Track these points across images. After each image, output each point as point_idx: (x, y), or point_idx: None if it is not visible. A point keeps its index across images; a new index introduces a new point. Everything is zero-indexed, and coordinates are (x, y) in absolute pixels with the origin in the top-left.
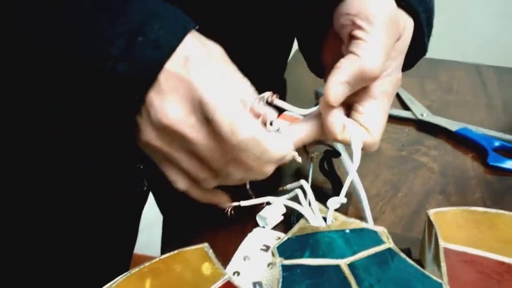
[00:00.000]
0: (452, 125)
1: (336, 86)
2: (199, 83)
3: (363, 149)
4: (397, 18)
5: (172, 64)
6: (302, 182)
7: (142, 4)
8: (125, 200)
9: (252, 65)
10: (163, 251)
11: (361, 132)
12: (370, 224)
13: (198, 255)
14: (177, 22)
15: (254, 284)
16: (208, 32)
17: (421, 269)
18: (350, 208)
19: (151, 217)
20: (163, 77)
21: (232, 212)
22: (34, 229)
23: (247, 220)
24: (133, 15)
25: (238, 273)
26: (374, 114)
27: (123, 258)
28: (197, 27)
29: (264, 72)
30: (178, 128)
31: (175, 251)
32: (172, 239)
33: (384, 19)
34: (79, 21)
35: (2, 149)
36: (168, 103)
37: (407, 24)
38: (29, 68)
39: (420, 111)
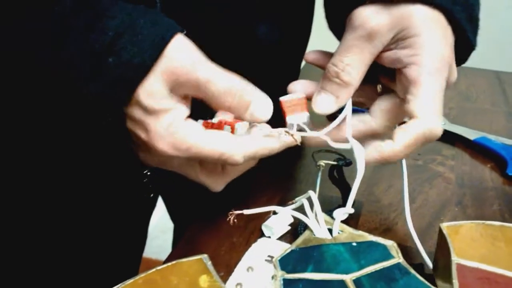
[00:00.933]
0: (470, 134)
1: (406, 148)
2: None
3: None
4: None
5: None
6: (310, 192)
7: (116, 16)
8: (133, 206)
9: (264, 73)
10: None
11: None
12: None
13: (196, 266)
14: (154, 34)
15: None
16: (219, 40)
17: (431, 286)
18: (361, 217)
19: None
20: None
21: (235, 220)
22: (42, 232)
23: (253, 230)
24: (103, 31)
25: (241, 285)
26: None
27: (131, 262)
28: (184, 31)
29: (277, 80)
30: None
31: (172, 262)
32: (177, 247)
33: (438, 64)
34: (54, 34)
35: (13, 156)
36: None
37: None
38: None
39: None
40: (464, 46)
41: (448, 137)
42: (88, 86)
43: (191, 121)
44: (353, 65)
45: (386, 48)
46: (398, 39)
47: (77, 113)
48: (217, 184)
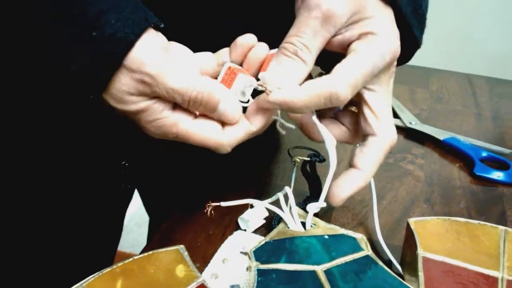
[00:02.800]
0: (440, 134)
1: (308, 98)
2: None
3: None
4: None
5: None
6: (286, 188)
7: None
8: (109, 196)
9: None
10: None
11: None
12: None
13: (173, 257)
14: (137, 14)
15: (232, 287)
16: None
17: (398, 277)
18: (334, 212)
19: (141, 217)
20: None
21: (212, 212)
22: (13, 221)
23: (229, 223)
24: (86, 8)
25: (216, 276)
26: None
27: (106, 255)
28: (161, 25)
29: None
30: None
31: (150, 252)
32: (154, 239)
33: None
34: (41, 8)
35: None
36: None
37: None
38: None
39: (409, 119)
40: (408, 43)
41: (418, 137)
42: (72, 60)
43: (179, 109)
44: (309, 47)
45: (337, 32)
46: (351, 23)
47: (60, 90)
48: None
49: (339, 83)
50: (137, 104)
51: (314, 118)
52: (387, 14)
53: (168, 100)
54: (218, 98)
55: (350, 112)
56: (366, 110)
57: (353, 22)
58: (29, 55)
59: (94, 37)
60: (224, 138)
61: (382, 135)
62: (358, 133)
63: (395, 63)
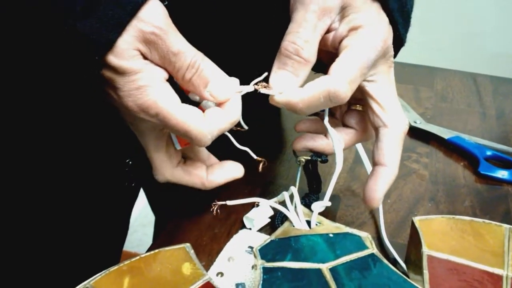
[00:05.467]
0: (445, 133)
1: (307, 99)
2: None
3: None
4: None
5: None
6: (292, 188)
7: None
8: (115, 195)
9: (252, 65)
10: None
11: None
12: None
13: (179, 255)
14: None
15: (237, 285)
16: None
17: (403, 275)
18: (338, 211)
19: (146, 217)
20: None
21: (218, 211)
22: (20, 223)
23: (234, 222)
24: None
25: (222, 274)
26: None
27: (112, 254)
28: (165, 2)
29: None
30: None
31: (156, 250)
32: (160, 238)
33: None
34: None
35: None
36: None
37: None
38: None
39: (414, 118)
40: (394, 41)
41: (423, 136)
42: (79, 22)
43: (166, 86)
44: (310, 42)
45: (329, 29)
46: (341, 18)
47: (64, 57)
48: (162, 173)
49: (337, 81)
50: (135, 60)
51: (326, 121)
52: (374, 7)
53: (162, 68)
54: (212, 71)
55: (356, 112)
56: (371, 103)
57: (343, 16)
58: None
59: (101, 1)
60: (205, 125)
61: (393, 124)
62: (367, 131)
63: (391, 52)
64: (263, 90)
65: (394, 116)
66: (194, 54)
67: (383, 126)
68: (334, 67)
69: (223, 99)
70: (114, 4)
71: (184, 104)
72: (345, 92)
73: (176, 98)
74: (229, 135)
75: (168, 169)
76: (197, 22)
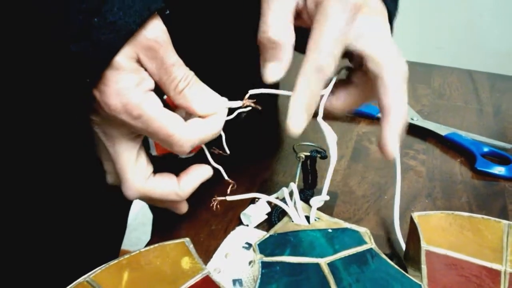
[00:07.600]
0: (442, 130)
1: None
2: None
3: None
4: None
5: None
6: (292, 184)
7: None
8: (112, 193)
9: (245, 68)
10: None
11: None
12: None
13: (179, 249)
14: (141, 3)
15: (234, 281)
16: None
17: (401, 270)
18: (336, 207)
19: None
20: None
21: (218, 206)
22: (19, 222)
23: (231, 218)
24: None
25: (219, 270)
26: None
27: (110, 253)
28: (163, 5)
29: (257, 75)
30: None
31: (156, 245)
32: (157, 235)
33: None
34: None
35: None
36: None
37: None
38: None
39: (411, 115)
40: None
41: (420, 132)
42: (73, 44)
43: (152, 94)
44: (275, 23)
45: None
46: None
47: (56, 74)
48: (134, 186)
49: (316, 56)
50: (130, 61)
51: (319, 118)
52: None
53: (152, 80)
54: (202, 86)
55: (357, 70)
56: (365, 56)
57: None
58: (33, 31)
59: (94, 24)
60: (187, 131)
61: (390, 69)
62: (370, 87)
63: (372, 2)
64: (250, 106)
65: (390, 62)
66: (187, 68)
67: (381, 73)
68: (309, 43)
69: (210, 113)
70: (122, 12)
71: (167, 110)
72: (328, 63)
73: (160, 104)
74: (206, 151)
75: (140, 181)
76: (189, 39)
